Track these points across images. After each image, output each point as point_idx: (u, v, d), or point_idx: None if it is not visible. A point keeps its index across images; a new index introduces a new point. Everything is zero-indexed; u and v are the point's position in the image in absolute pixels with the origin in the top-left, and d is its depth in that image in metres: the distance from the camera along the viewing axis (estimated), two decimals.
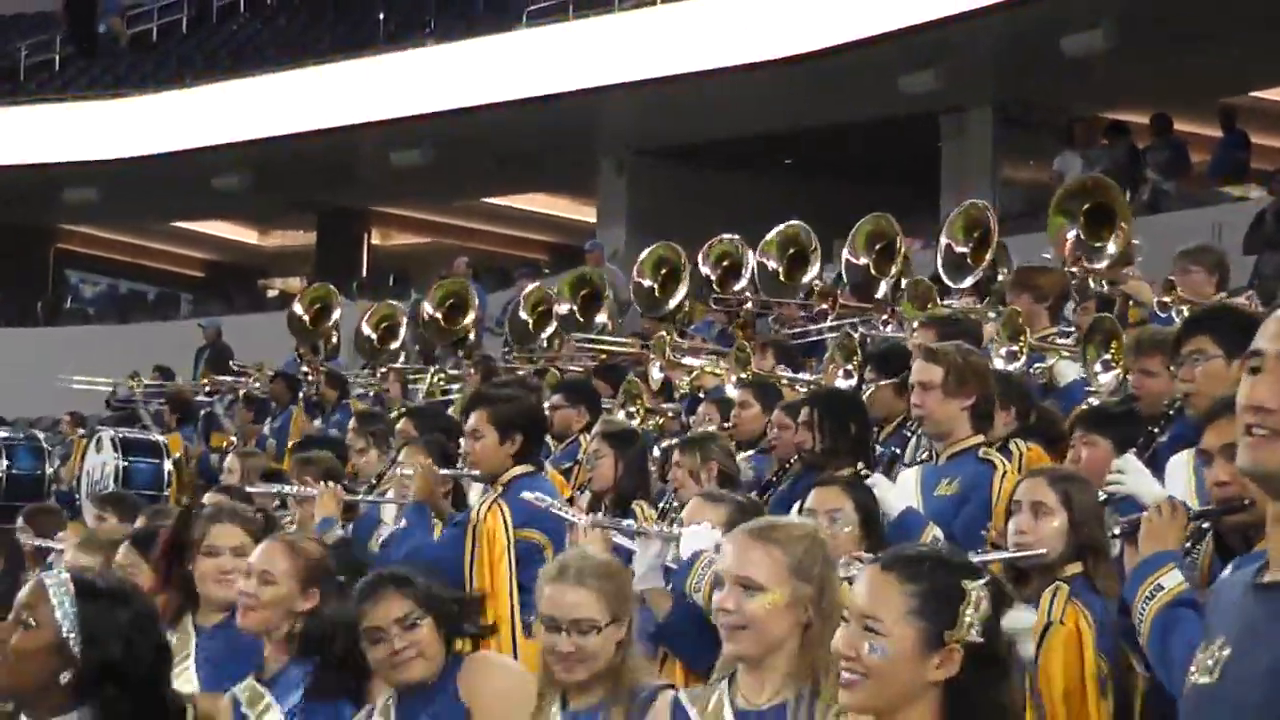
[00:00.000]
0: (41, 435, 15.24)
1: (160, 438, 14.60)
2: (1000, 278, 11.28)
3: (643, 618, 5.26)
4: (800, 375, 10.35)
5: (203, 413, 16.71)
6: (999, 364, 8.37)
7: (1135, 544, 4.77)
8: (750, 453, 8.66)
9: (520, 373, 13.13)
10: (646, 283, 14.48)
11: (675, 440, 8.62)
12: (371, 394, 15.07)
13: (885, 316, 11.47)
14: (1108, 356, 8.37)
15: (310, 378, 15.66)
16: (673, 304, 14.25)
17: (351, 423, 10.19)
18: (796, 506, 6.20)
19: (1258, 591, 2.86)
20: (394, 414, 11.27)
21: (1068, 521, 5.29)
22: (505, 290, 20.37)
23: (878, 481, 6.38)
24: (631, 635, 4.52)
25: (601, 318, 14.68)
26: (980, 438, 6.61)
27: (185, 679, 5.37)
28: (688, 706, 3.98)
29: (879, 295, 12.37)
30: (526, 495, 6.81)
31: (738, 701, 3.89)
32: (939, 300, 10.96)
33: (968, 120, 22.00)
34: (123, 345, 24.15)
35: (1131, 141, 19.87)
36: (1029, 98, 21.93)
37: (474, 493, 7.92)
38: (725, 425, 8.98)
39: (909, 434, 7.19)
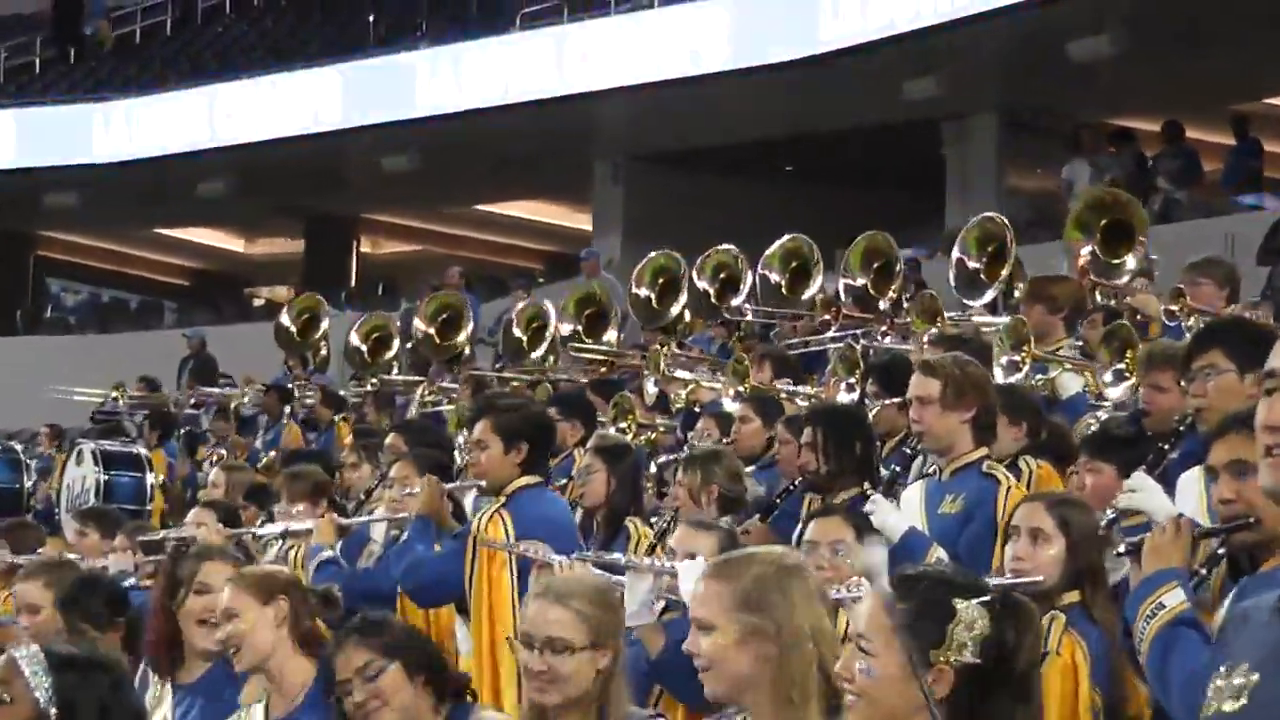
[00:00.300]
0: (19, 448, 15.22)
1: (143, 450, 14.58)
2: (1016, 294, 11.23)
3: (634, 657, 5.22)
4: (800, 388, 10.34)
5: (184, 430, 16.71)
6: (999, 374, 8.37)
7: (1140, 562, 4.78)
8: (752, 468, 8.65)
9: (513, 385, 13.12)
10: (644, 293, 14.47)
11: (677, 456, 8.60)
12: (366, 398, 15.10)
13: (884, 328, 11.45)
14: (1121, 366, 8.37)
15: (297, 393, 15.68)
16: (672, 314, 14.22)
17: (349, 437, 10.22)
18: (797, 533, 6.21)
19: None
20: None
21: (1065, 548, 5.30)
22: (499, 300, 20.38)
23: (879, 501, 6.36)
24: (618, 667, 4.44)
25: (610, 335, 14.60)
26: (983, 450, 6.61)
27: None
28: None
29: (882, 306, 12.35)
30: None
31: None
32: (945, 314, 10.94)
33: (971, 127, 22.01)
34: (104, 356, 24.17)
35: (1139, 148, 19.89)
36: (1035, 104, 21.93)
37: (468, 501, 7.92)
38: (725, 440, 8.97)
39: (908, 450, 7.19)
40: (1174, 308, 8.69)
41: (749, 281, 13.39)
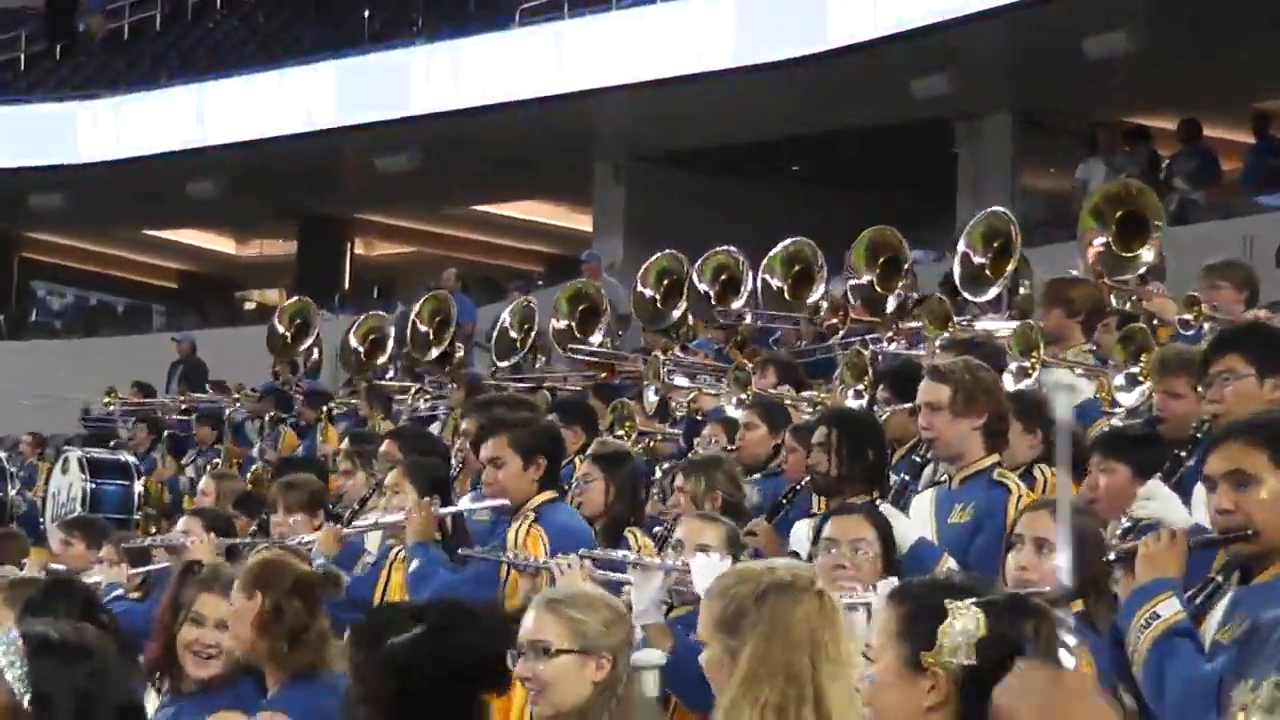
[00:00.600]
0: (3, 455, 15.24)
1: (131, 458, 14.58)
2: (1022, 291, 11.25)
3: None
4: (805, 394, 10.33)
5: (166, 433, 16.72)
6: (1009, 381, 8.36)
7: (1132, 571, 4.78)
8: (756, 476, 8.64)
9: (511, 390, 13.11)
10: (648, 293, 14.48)
11: (679, 463, 8.59)
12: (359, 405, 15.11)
13: (891, 333, 11.45)
14: (1135, 370, 8.36)
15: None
16: (675, 315, 14.23)
17: (344, 443, 10.23)
18: (797, 526, 6.20)
19: None
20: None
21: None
22: (497, 303, 20.36)
23: (888, 511, 6.36)
24: (625, 686, 4.40)
25: (595, 338, 14.63)
26: (994, 458, 6.61)
27: None
28: None
29: (888, 309, 12.35)
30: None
31: None
32: (955, 317, 10.94)
33: (983, 126, 21.99)
34: (91, 360, 24.14)
35: (1152, 147, 19.86)
36: (1049, 102, 21.91)
37: (464, 502, 7.93)
38: (730, 448, 8.96)
39: (918, 459, 7.18)
40: (1188, 315, 8.69)
41: (749, 282, 13.41)
